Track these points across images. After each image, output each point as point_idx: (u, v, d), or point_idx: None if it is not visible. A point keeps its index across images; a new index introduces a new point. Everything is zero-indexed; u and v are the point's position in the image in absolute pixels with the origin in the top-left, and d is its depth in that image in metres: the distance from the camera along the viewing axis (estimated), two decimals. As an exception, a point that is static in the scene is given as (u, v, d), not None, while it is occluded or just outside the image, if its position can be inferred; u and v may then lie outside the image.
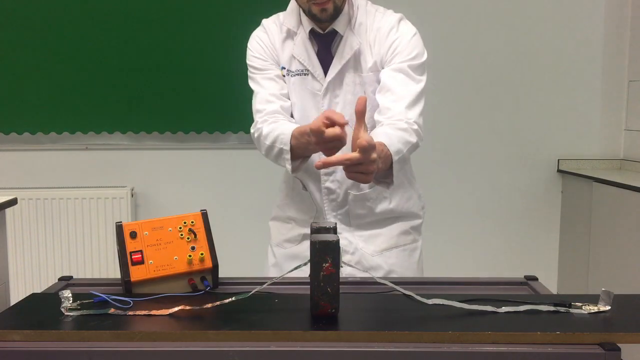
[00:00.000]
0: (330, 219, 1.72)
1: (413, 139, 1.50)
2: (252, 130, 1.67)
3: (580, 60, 3.33)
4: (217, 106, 3.21)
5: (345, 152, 1.22)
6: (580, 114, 3.37)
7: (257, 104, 1.66)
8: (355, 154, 1.16)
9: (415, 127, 1.52)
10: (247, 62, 1.72)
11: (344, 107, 1.66)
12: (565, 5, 3.30)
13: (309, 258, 1.13)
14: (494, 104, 3.35)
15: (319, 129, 1.30)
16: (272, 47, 1.70)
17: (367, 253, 1.73)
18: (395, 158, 1.40)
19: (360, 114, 1.16)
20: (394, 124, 1.50)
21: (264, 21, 1.75)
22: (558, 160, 3.39)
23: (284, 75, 1.69)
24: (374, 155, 1.19)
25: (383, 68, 1.63)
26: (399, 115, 1.52)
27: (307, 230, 1.24)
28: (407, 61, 1.59)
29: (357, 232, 1.75)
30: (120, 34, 3.16)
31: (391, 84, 1.57)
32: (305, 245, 1.73)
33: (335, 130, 1.28)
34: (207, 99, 3.22)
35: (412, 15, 1.71)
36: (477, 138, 3.37)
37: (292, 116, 1.70)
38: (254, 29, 1.75)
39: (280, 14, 1.73)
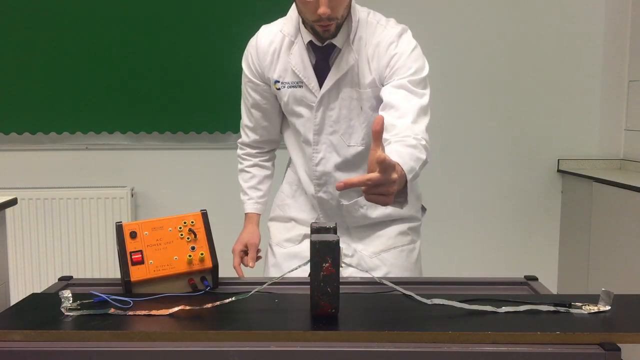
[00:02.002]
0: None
1: (423, 155, 1.40)
2: (238, 151, 1.90)
3: (580, 61, 3.33)
4: (217, 106, 3.20)
5: (364, 174, 1.15)
6: (580, 114, 3.36)
7: (241, 127, 1.87)
8: (376, 174, 1.11)
9: (424, 142, 1.43)
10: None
11: (337, 120, 1.64)
12: (566, 5, 3.30)
13: (309, 258, 1.13)
14: (494, 104, 3.35)
15: (235, 267, 1.79)
16: (260, 64, 1.68)
17: (366, 255, 1.74)
18: (409, 177, 1.31)
19: (377, 134, 1.10)
20: (402, 141, 1.40)
21: (260, 32, 1.71)
22: (558, 160, 3.39)
23: (278, 89, 1.67)
24: (395, 175, 1.14)
25: (383, 85, 1.58)
26: (406, 131, 1.43)
27: (308, 230, 1.24)
28: (407, 77, 1.53)
29: (355, 235, 1.76)
30: (120, 34, 3.15)
31: (393, 100, 1.50)
32: (306, 245, 1.73)
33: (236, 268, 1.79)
34: (207, 99, 3.21)
35: (411, 15, 1.71)
36: (477, 138, 3.37)
37: (285, 117, 1.75)
38: (254, 28, 1.73)
39: (280, 21, 1.69)
